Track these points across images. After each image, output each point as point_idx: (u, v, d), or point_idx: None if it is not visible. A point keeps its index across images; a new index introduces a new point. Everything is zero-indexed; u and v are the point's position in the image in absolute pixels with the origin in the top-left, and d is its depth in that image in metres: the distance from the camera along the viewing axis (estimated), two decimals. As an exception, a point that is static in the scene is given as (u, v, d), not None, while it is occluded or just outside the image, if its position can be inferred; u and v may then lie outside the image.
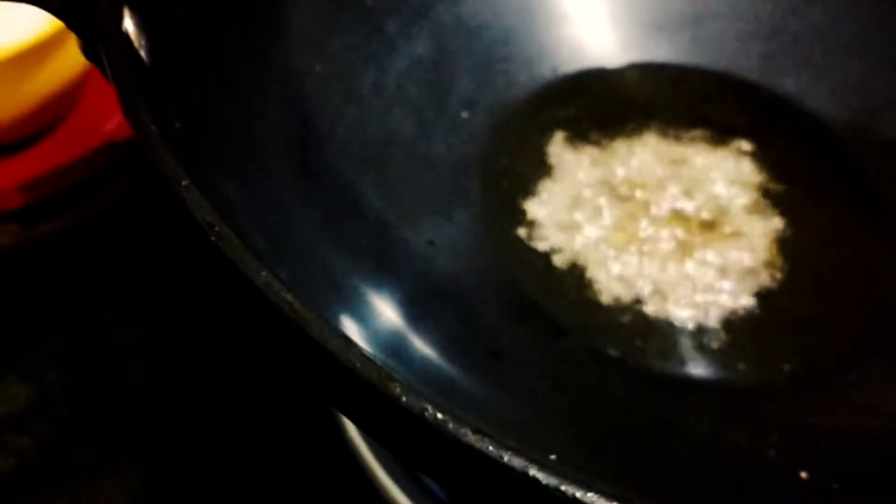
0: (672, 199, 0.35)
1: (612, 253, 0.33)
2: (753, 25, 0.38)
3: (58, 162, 0.41)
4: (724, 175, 0.35)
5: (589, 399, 0.29)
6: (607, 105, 0.37)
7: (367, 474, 0.32)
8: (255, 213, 0.26)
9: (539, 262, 0.33)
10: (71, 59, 0.39)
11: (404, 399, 0.16)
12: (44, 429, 0.36)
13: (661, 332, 0.31)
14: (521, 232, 0.33)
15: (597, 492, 0.16)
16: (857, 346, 0.31)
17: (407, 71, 0.36)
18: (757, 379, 0.31)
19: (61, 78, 0.40)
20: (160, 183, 0.19)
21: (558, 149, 0.36)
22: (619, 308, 0.32)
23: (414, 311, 0.29)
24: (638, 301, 0.32)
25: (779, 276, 0.33)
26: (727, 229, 0.34)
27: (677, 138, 0.36)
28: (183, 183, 0.18)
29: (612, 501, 0.16)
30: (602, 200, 0.34)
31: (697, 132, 0.36)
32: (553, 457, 0.23)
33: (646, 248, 0.33)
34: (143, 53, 0.23)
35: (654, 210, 0.34)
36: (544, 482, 0.16)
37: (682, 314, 0.32)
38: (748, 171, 0.36)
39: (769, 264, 0.33)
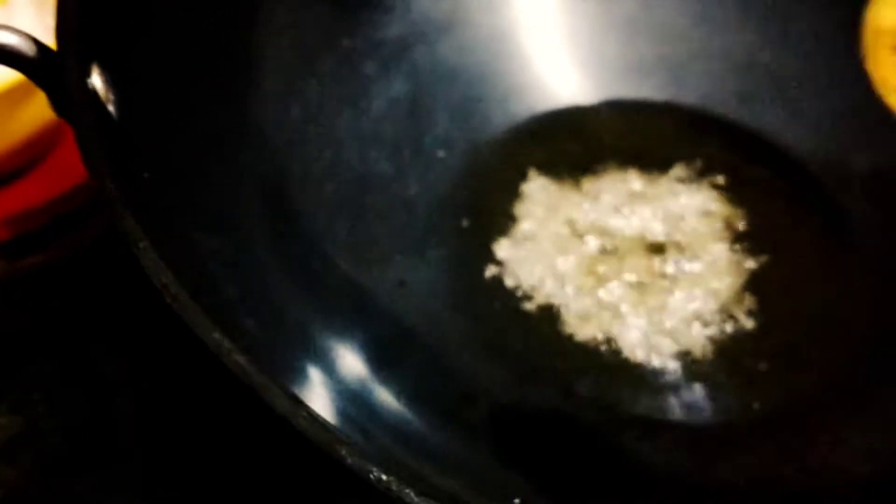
0: (644, 238, 0.35)
1: (583, 293, 0.33)
2: (728, 63, 0.39)
3: (43, 196, 0.41)
4: (697, 212, 0.36)
5: (560, 442, 0.29)
6: (582, 144, 0.37)
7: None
8: (225, 261, 0.27)
9: (511, 302, 0.33)
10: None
11: (350, 461, 0.16)
12: (32, 460, 0.36)
13: (630, 371, 0.32)
14: (494, 272, 0.34)
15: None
16: (825, 386, 0.31)
17: (384, 112, 0.36)
18: (724, 419, 0.31)
19: (47, 114, 0.40)
20: (121, 241, 0.20)
21: (532, 188, 0.36)
22: (589, 348, 0.32)
23: (384, 355, 0.29)
24: (608, 341, 0.32)
25: (749, 314, 0.33)
26: (698, 267, 0.34)
27: (651, 176, 0.37)
28: (141, 244, 0.19)
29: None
30: (574, 240, 0.35)
31: (671, 170, 0.37)
32: (517, 501, 0.23)
33: (616, 287, 0.34)
34: (111, 108, 0.23)
35: (625, 249, 0.35)
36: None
37: (652, 354, 0.32)
38: (721, 208, 0.36)
39: (739, 303, 0.33)
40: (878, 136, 0.36)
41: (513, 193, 0.36)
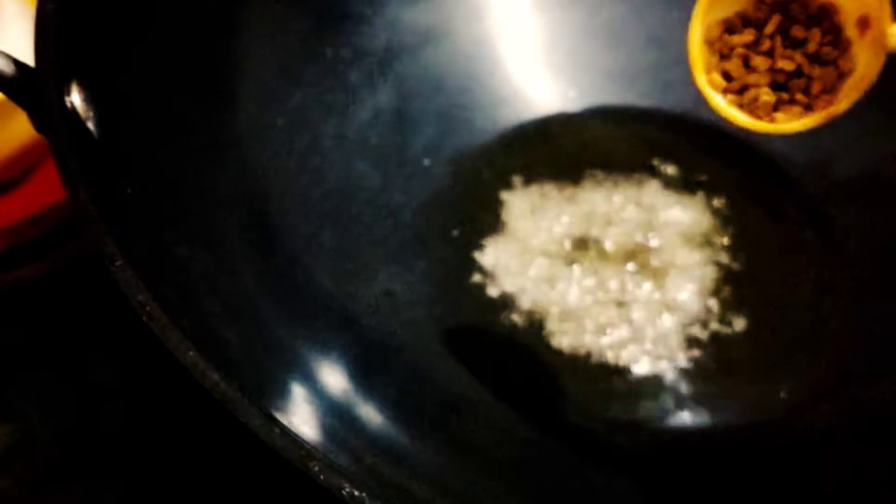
0: (628, 244, 0.35)
1: (567, 300, 0.33)
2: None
3: (34, 208, 0.41)
4: (681, 218, 0.36)
5: (539, 451, 0.29)
6: (566, 151, 0.37)
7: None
8: (209, 275, 0.27)
9: (495, 310, 0.33)
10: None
11: (322, 477, 0.17)
12: (25, 469, 0.36)
13: (612, 378, 0.32)
14: (478, 280, 0.34)
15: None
16: (809, 392, 0.32)
17: (369, 121, 0.36)
18: (706, 425, 0.31)
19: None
20: (92, 263, 0.20)
21: (517, 196, 0.36)
22: (572, 356, 0.32)
23: (367, 367, 0.29)
24: (590, 349, 0.32)
25: (732, 318, 0.33)
26: (681, 273, 0.34)
27: (635, 183, 0.37)
28: (117, 263, 0.19)
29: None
30: (558, 248, 0.35)
31: (656, 176, 0.37)
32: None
33: (600, 294, 0.34)
34: (91, 125, 0.24)
35: (609, 256, 0.35)
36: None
37: (634, 361, 0.32)
38: (706, 213, 0.36)
39: (723, 308, 0.34)
40: (861, 143, 0.36)
41: (498, 201, 0.36)
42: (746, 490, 0.29)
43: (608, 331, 0.33)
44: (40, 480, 0.36)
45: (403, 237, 0.34)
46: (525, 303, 0.34)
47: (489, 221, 0.35)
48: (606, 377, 0.32)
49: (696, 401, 0.31)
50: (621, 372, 0.32)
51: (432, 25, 0.37)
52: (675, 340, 0.33)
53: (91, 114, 0.24)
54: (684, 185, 0.37)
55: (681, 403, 0.32)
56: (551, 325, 0.33)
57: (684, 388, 0.32)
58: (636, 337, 0.33)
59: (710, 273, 0.35)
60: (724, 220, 0.36)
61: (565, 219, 0.36)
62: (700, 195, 0.36)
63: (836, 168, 0.37)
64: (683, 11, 0.39)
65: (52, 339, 0.40)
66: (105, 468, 0.36)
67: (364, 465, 0.23)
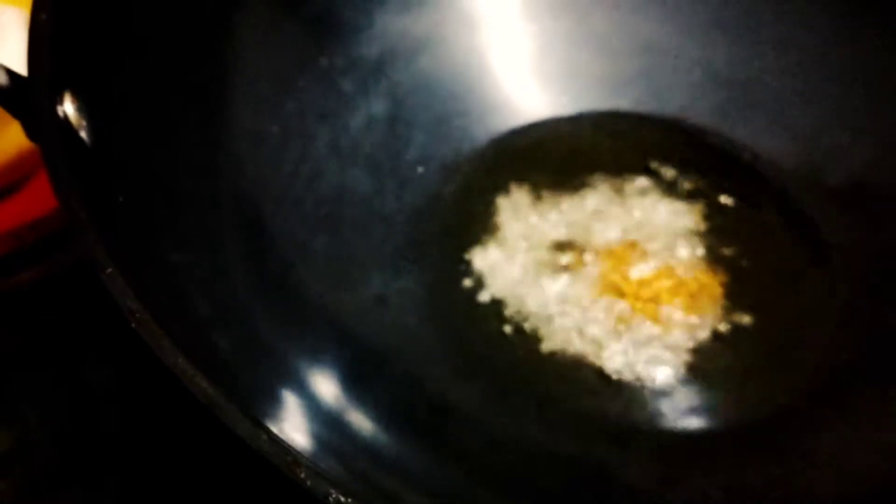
0: (621, 249, 0.35)
1: (559, 306, 0.34)
2: (705, 77, 0.39)
3: (34, 213, 0.42)
4: (674, 224, 0.36)
5: (531, 457, 0.29)
6: (560, 157, 0.38)
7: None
8: (201, 282, 0.27)
9: (487, 315, 0.33)
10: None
11: (309, 483, 0.17)
12: (23, 473, 0.36)
13: (606, 384, 0.32)
14: (471, 285, 0.34)
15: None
16: (798, 397, 0.32)
17: (363, 128, 0.36)
18: (699, 430, 0.31)
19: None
20: (89, 267, 0.20)
21: (510, 201, 0.36)
22: (565, 361, 0.32)
23: (359, 373, 0.29)
24: (584, 354, 0.33)
25: (723, 326, 0.34)
26: (674, 279, 0.35)
27: (627, 188, 0.37)
28: (108, 270, 0.19)
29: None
30: (551, 253, 0.35)
31: (648, 180, 0.37)
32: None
33: (592, 300, 0.34)
34: (84, 134, 0.24)
35: (602, 261, 0.35)
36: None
37: (627, 367, 0.32)
38: (696, 219, 0.36)
39: (713, 314, 0.34)
40: (851, 150, 0.37)
41: (490, 207, 0.36)
42: (742, 490, 0.29)
43: (601, 336, 0.33)
44: (38, 483, 0.36)
45: (396, 243, 0.35)
46: (517, 308, 0.34)
47: (482, 227, 0.36)
48: (599, 382, 0.32)
49: (689, 404, 0.32)
50: (614, 377, 0.32)
51: (425, 34, 0.38)
52: (669, 345, 0.33)
53: (84, 122, 0.24)
54: (677, 190, 0.37)
55: (675, 407, 0.32)
56: (543, 330, 0.33)
57: (678, 391, 0.32)
58: (629, 342, 0.33)
59: (701, 278, 0.35)
60: (717, 225, 0.36)
61: (558, 224, 0.36)
62: (692, 200, 0.37)
63: (828, 174, 0.37)
64: (674, 18, 0.39)
65: (49, 341, 0.40)
66: (103, 470, 0.36)
67: (356, 471, 0.23)
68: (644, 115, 0.38)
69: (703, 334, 0.33)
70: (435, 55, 0.38)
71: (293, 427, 0.24)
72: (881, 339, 0.32)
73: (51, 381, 0.39)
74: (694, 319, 0.34)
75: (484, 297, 0.34)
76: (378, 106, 0.37)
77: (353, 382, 0.29)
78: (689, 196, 0.37)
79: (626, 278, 0.35)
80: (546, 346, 0.33)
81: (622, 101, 0.38)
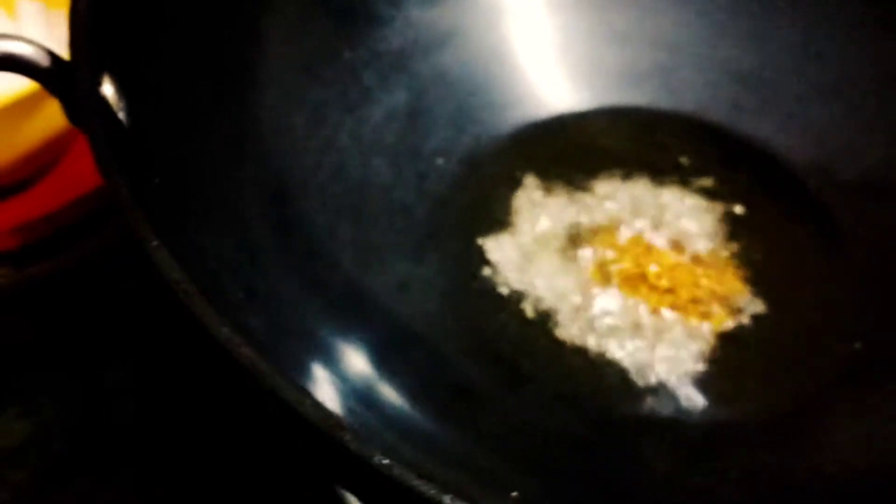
0: (639, 243, 0.36)
1: (577, 297, 0.34)
2: (722, 73, 0.40)
3: (50, 206, 0.42)
4: (691, 219, 0.37)
5: (551, 440, 0.30)
6: (577, 150, 0.38)
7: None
8: (232, 264, 0.28)
9: (506, 305, 0.34)
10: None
11: (353, 446, 0.17)
12: (40, 463, 0.36)
13: (623, 376, 0.32)
14: (490, 276, 0.35)
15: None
16: (815, 389, 0.32)
17: (384, 121, 0.37)
18: (717, 420, 0.32)
19: (56, 123, 0.41)
20: (132, 242, 0.21)
21: (529, 194, 0.37)
22: (583, 351, 0.33)
23: (385, 354, 0.30)
24: (601, 344, 0.33)
25: (741, 318, 0.34)
26: (692, 275, 0.35)
27: (645, 182, 0.37)
28: (153, 243, 0.19)
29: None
30: (570, 245, 0.36)
31: (665, 176, 0.38)
32: (514, 494, 0.24)
33: (611, 291, 0.34)
34: (122, 116, 0.24)
35: (620, 254, 0.35)
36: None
37: (645, 359, 0.33)
38: (714, 214, 0.37)
39: (732, 306, 0.34)
40: (866, 146, 0.37)
41: (508, 198, 0.37)
42: (758, 478, 0.30)
43: (618, 326, 0.34)
44: (54, 475, 0.36)
45: (417, 233, 0.35)
46: (534, 298, 0.34)
47: (500, 218, 0.36)
48: (615, 372, 0.33)
49: (706, 394, 0.32)
50: (631, 367, 0.33)
51: (448, 27, 0.38)
52: (686, 336, 0.34)
53: (122, 104, 0.24)
54: (694, 184, 0.37)
55: (691, 397, 0.32)
56: (560, 320, 0.34)
57: (695, 382, 0.32)
58: (646, 332, 0.33)
59: (719, 273, 0.35)
60: (734, 219, 0.36)
61: (576, 216, 0.36)
62: (710, 194, 0.37)
63: (843, 168, 0.37)
64: (693, 15, 0.40)
65: (65, 334, 0.41)
66: (117, 463, 0.37)
67: (384, 444, 0.24)
68: (662, 110, 0.39)
69: (720, 326, 0.34)
70: (457, 48, 0.38)
71: (325, 400, 0.25)
72: (896, 329, 0.33)
73: (66, 374, 0.39)
74: (711, 311, 0.34)
75: (502, 286, 0.35)
76: (399, 98, 0.37)
77: (380, 363, 0.29)
78: (707, 190, 0.37)
79: (643, 270, 0.35)
80: (563, 336, 0.33)
81: (640, 97, 0.39)
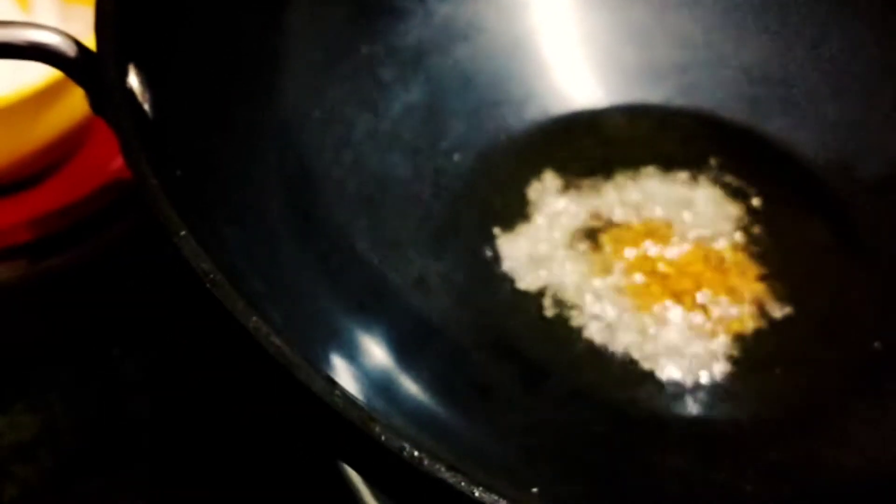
0: (656, 241, 0.36)
1: (596, 295, 0.34)
2: (740, 70, 0.40)
3: (66, 199, 0.42)
4: (707, 216, 0.37)
5: (570, 437, 0.30)
6: (596, 146, 0.38)
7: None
8: (252, 256, 0.28)
9: (524, 303, 0.34)
10: (80, 101, 0.40)
11: (384, 438, 0.17)
12: (49, 459, 0.37)
13: (642, 373, 0.32)
14: (508, 272, 0.35)
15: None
16: (834, 387, 0.32)
17: (402, 116, 0.37)
18: (736, 418, 0.32)
19: (71, 118, 0.41)
20: (160, 232, 0.21)
21: (546, 190, 0.37)
22: (601, 349, 0.33)
23: (404, 348, 0.30)
24: (619, 342, 0.33)
25: (761, 316, 0.34)
26: (710, 272, 0.35)
27: (662, 178, 0.38)
28: (181, 233, 0.19)
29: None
30: (588, 241, 0.36)
31: (682, 172, 0.38)
32: (535, 490, 0.24)
33: (628, 290, 0.34)
34: (147, 107, 0.24)
35: (637, 252, 0.35)
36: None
37: (664, 356, 0.33)
38: (733, 213, 0.37)
39: (750, 307, 0.34)
40: (884, 144, 0.37)
41: (526, 195, 0.37)
42: (775, 476, 0.30)
43: (636, 324, 0.34)
44: (64, 471, 0.36)
45: (434, 228, 0.35)
46: (552, 295, 0.34)
47: (517, 214, 0.36)
48: (634, 370, 0.33)
49: (724, 392, 0.32)
50: (649, 365, 0.33)
51: (466, 23, 0.38)
52: (705, 334, 0.34)
53: (147, 96, 0.24)
54: (713, 183, 0.37)
55: (709, 394, 0.32)
56: (578, 318, 0.34)
57: (713, 379, 0.32)
58: (665, 330, 0.34)
59: (736, 271, 0.35)
60: (752, 217, 0.36)
61: (594, 212, 0.36)
62: (727, 193, 0.37)
63: (861, 167, 0.37)
64: (712, 13, 0.40)
65: (76, 329, 0.41)
66: (127, 459, 0.37)
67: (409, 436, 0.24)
68: (680, 107, 0.39)
69: (739, 325, 0.34)
70: (475, 43, 0.38)
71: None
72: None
73: (77, 369, 0.39)
74: (730, 310, 0.34)
75: (519, 283, 0.35)
76: (417, 93, 0.37)
77: (398, 356, 0.29)
78: (725, 189, 0.37)
79: (661, 268, 0.35)
80: (581, 333, 0.33)
81: (659, 94, 0.39)
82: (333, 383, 0.18)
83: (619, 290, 0.34)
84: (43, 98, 0.38)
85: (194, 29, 0.28)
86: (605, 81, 0.39)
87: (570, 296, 0.34)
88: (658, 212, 0.37)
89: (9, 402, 0.38)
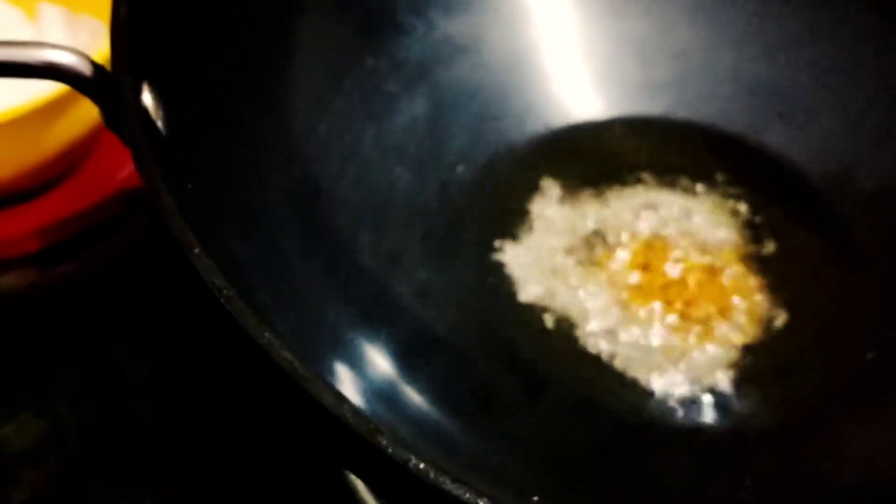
0: (657, 252, 0.36)
1: (597, 305, 0.35)
2: (739, 82, 0.40)
3: (75, 207, 0.43)
4: (706, 227, 0.37)
5: (572, 445, 0.30)
6: (597, 158, 0.39)
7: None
8: (260, 269, 0.28)
9: (527, 313, 0.34)
10: (87, 112, 0.41)
11: (390, 451, 0.18)
12: (57, 463, 0.37)
13: (642, 383, 0.33)
14: (510, 283, 0.35)
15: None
16: (833, 397, 0.33)
17: (406, 128, 0.37)
18: (736, 427, 0.32)
19: (79, 129, 0.42)
20: (174, 248, 0.21)
21: (548, 201, 0.38)
22: (602, 360, 0.33)
23: (408, 360, 0.31)
24: (620, 353, 0.34)
25: (759, 328, 0.35)
26: (709, 283, 0.36)
27: (662, 190, 0.38)
28: (195, 251, 0.20)
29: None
30: (589, 252, 0.36)
31: (683, 185, 0.38)
32: (536, 498, 0.25)
33: (630, 300, 0.35)
34: (159, 123, 0.25)
35: (639, 262, 0.36)
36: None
37: (664, 366, 0.33)
38: (732, 224, 0.37)
39: (749, 317, 0.35)
40: (882, 155, 0.38)
41: (527, 206, 0.37)
42: (773, 486, 0.30)
43: (636, 335, 0.34)
44: (70, 474, 0.37)
45: (437, 240, 0.36)
46: (553, 306, 0.35)
47: (520, 226, 0.37)
48: (634, 380, 0.33)
49: (725, 403, 0.33)
50: (649, 375, 0.33)
51: (469, 37, 0.39)
52: (704, 346, 0.34)
53: (160, 112, 0.25)
54: (711, 194, 0.38)
55: (710, 406, 0.33)
56: (581, 328, 0.34)
57: (714, 390, 0.33)
58: (665, 341, 0.34)
59: (735, 282, 0.36)
60: (750, 229, 0.37)
61: (595, 225, 0.37)
62: (726, 205, 0.38)
63: (859, 178, 0.38)
64: (711, 26, 0.40)
65: (83, 333, 0.41)
66: (134, 461, 0.37)
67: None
68: (679, 120, 0.39)
69: (738, 335, 0.34)
70: (477, 58, 0.39)
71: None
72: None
73: (83, 373, 0.39)
74: (729, 321, 0.35)
75: (521, 294, 0.35)
76: (420, 107, 0.38)
77: (402, 366, 0.30)
78: (724, 200, 0.38)
79: (662, 279, 0.36)
80: (583, 343, 0.34)
81: (658, 106, 0.39)
82: (342, 398, 0.19)
83: (620, 301, 0.35)
84: (51, 109, 0.39)
85: (205, 47, 0.29)
86: (606, 94, 0.40)
87: (571, 307, 0.35)
88: (658, 223, 0.37)
89: (17, 408, 0.38)
